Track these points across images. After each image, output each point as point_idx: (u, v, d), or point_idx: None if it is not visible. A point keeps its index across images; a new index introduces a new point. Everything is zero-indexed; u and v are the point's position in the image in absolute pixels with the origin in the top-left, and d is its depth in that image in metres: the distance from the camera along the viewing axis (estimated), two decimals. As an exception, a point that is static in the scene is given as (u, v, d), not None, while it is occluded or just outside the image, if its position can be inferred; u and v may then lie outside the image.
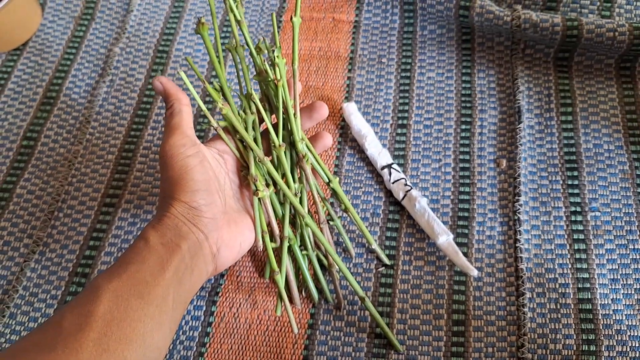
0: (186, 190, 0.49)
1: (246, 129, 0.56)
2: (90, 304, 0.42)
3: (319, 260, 0.59)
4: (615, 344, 0.56)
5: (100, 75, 0.77)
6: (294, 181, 0.57)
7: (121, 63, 0.77)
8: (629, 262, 0.60)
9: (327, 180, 0.58)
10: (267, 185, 0.56)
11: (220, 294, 0.61)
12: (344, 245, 0.62)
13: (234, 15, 0.55)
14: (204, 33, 0.53)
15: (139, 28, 0.80)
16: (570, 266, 0.60)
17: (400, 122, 0.71)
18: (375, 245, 0.60)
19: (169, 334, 0.46)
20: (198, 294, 0.61)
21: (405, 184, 0.64)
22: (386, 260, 0.61)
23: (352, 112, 0.69)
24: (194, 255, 0.48)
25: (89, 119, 0.73)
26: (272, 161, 0.57)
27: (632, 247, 0.61)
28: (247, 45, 0.57)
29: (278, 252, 0.56)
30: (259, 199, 0.54)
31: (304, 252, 0.58)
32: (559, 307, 0.58)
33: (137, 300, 0.43)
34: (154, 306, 0.44)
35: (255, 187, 0.54)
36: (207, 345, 0.58)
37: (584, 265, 0.60)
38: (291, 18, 0.56)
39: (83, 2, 0.84)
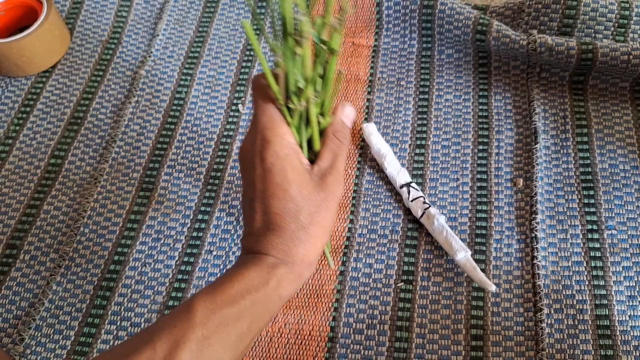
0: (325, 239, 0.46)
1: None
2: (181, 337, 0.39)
3: None
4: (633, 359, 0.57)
5: (126, 96, 0.79)
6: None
7: (147, 85, 0.80)
8: (645, 279, 0.61)
9: None
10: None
11: (242, 308, 0.62)
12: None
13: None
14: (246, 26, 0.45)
15: (164, 52, 0.83)
16: (587, 283, 0.61)
17: (418, 142, 0.72)
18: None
19: None
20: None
21: (424, 202, 0.65)
22: (331, 264, 0.62)
23: (372, 132, 0.71)
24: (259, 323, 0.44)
25: (115, 139, 0.75)
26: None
27: (649, 265, 0.62)
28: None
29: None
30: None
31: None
32: (576, 323, 0.59)
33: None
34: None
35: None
36: (229, 357, 0.59)
37: (601, 282, 0.61)
38: None
39: (110, 27, 0.86)
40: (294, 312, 0.61)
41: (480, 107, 0.74)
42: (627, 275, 0.61)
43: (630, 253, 0.63)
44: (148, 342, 0.39)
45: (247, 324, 0.42)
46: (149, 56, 0.82)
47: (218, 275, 0.64)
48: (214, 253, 0.66)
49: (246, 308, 0.41)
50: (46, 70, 0.83)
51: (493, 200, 0.67)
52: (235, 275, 0.43)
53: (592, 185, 0.67)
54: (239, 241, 0.66)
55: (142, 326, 0.62)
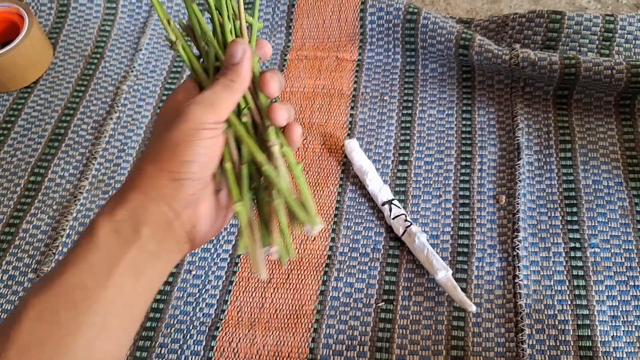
0: (179, 159, 0.40)
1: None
2: (9, 326, 0.36)
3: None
4: (615, 381, 0.56)
5: (107, 112, 0.78)
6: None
7: (128, 100, 0.79)
8: (629, 298, 0.60)
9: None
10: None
11: (220, 329, 0.61)
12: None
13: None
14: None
15: (147, 67, 0.82)
16: (569, 302, 0.60)
17: (401, 158, 0.72)
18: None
19: (123, 338, 0.40)
20: (198, 328, 0.61)
21: (406, 220, 0.65)
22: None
23: (354, 148, 0.70)
24: (160, 239, 0.40)
25: (95, 155, 0.74)
26: None
27: (633, 284, 0.61)
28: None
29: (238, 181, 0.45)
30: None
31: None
32: (558, 343, 0.58)
33: (69, 312, 0.36)
34: (93, 312, 0.37)
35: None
36: (207, 379, 0.59)
37: (584, 302, 0.60)
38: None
39: (93, 41, 0.86)
40: (272, 333, 0.61)
41: (464, 122, 0.74)
42: (610, 294, 0.61)
43: (614, 272, 0.62)
44: None
45: None
46: (132, 71, 0.82)
47: (197, 295, 0.64)
48: (193, 272, 0.65)
49: None
50: (28, 86, 0.82)
51: (475, 217, 0.67)
52: None
53: (575, 202, 0.66)
54: (218, 260, 0.66)
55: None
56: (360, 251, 0.66)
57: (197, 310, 0.62)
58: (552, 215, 0.66)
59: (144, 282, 0.40)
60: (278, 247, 0.43)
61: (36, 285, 0.37)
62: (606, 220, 0.65)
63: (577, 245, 0.64)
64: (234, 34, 0.46)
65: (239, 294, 0.63)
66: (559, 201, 0.67)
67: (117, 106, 0.78)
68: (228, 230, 0.68)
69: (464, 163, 0.71)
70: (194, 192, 0.41)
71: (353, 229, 0.67)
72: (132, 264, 0.38)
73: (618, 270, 0.62)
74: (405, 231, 0.64)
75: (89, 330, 0.36)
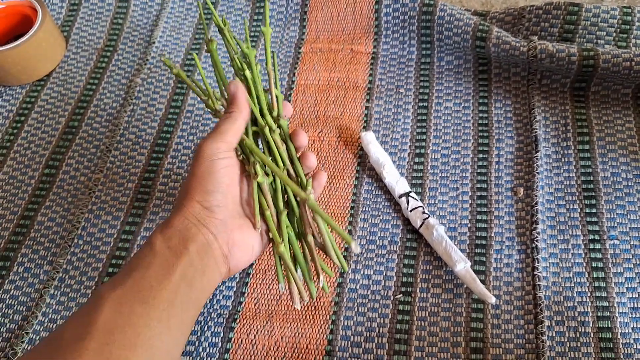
0: (204, 189, 0.49)
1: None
2: (91, 313, 0.42)
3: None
4: (636, 373, 0.56)
5: (121, 105, 0.78)
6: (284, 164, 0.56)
7: (142, 93, 0.79)
8: (649, 290, 0.60)
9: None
10: (266, 174, 0.54)
11: (237, 321, 0.61)
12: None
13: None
14: (212, 48, 0.56)
15: (160, 59, 0.82)
16: (589, 294, 0.60)
17: (417, 151, 0.71)
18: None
19: (181, 337, 0.46)
20: (216, 320, 0.61)
21: (423, 212, 0.64)
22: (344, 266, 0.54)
23: (370, 141, 0.70)
24: (203, 256, 0.48)
25: (110, 148, 0.74)
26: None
27: (653, 276, 0.61)
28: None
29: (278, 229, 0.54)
30: (258, 183, 0.53)
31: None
32: (578, 335, 0.58)
33: (142, 306, 0.43)
34: (159, 310, 0.44)
35: (255, 171, 0.52)
36: (224, 371, 0.58)
37: (604, 294, 0.60)
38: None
39: (106, 34, 0.86)
40: (290, 325, 0.60)
41: (480, 114, 0.74)
42: (629, 286, 0.60)
43: (633, 264, 0.61)
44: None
45: None
46: (145, 64, 0.81)
47: (214, 287, 0.64)
48: (210, 265, 0.65)
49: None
50: (41, 79, 0.82)
51: (493, 209, 0.66)
52: None
53: (593, 194, 0.66)
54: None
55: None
56: (378, 243, 0.65)
57: (215, 302, 0.62)
58: (571, 207, 0.66)
59: (194, 291, 0.47)
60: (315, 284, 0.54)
61: (109, 283, 0.45)
62: (625, 213, 0.65)
63: (596, 237, 0.63)
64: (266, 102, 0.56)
65: (256, 286, 0.63)
66: (577, 193, 0.66)
67: (131, 99, 0.78)
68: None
69: (481, 155, 0.70)
70: (223, 217, 0.49)
71: (370, 221, 0.67)
72: (183, 274, 0.46)
73: (638, 262, 0.62)
74: (422, 223, 0.64)
75: (156, 324, 0.43)
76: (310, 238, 0.53)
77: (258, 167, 0.52)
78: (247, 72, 0.54)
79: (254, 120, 0.55)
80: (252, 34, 0.84)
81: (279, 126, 0.55)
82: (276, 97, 0.56)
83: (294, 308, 0.61)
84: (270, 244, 0.54)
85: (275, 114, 0.55)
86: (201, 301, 0.48)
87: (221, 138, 0.50)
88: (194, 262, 0.47)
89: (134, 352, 0.41)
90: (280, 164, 0.55)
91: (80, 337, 0.40)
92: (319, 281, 0.53)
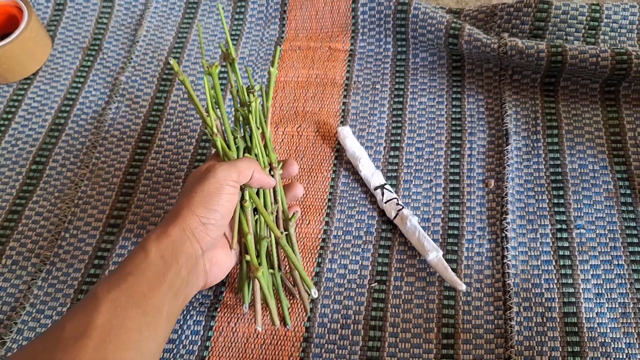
0: (207, 207, 0.52)
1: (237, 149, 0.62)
2: (90, 313, 0.45)
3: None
4: (600, 355, 0.58)
5: (106, 102, 0.80)
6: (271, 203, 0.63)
7: (127, 91, 0.81)
8: (613, 277, 0.62)
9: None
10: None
11: (219, 309, 0.63)
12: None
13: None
14: (214, 72, 0.60)
15: (144, 58, 0.84)
16: (556, 281, 0.63)
17: (393, 144, 0.74)
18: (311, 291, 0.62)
19: (163, 342, 0.49)
20: (198, 309, 0.63)
21: (397, 204, 0.67)
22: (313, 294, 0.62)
23: (347, 135, 0.72)
24: (190, 270, 0.52)
25: (96, 144, 0.76)
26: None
27: (616, 263, 0.63)
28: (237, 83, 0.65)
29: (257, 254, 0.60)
30: (242, 207, 0.59)
31: (271, 271, 0.62)
32: (545, 320, 0.60)
33: (135, 310, 0.46)
34: (150, 316, 0.47)
35: (242, 195, 0.59)
36: (206, 358, 0.60)
37: (570, 281, 0.62)
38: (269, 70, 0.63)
39: (91, 33, 0.88)
40: (270, 313, 0.63)
41: (454, 109, 0.76)
42: (594, 273, 0.63)
43: (598, 252, 0.64)
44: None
45: None
46: (129, 62, 0.83)
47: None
48: (192, 256, 0.67)
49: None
50: (28, 77, 0.84)
51: (465, 201, 0.69)
52: None
53: (561, 185, 0.68)
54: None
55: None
56: (354, 234, 0.67)
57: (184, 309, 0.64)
58: (540, 198, 0.68)
59: (177, 302, 0.51)
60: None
61: (104, 284, 0.48)
62: (591, 203, 0.67)
63: (564, 226, 0.66)
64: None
65: (237, 276, 0.65)
66: (546, 184, 0.69)
67: (116, 96, 0.80)
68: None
69: (454, 149, 0.73)
70: (215, 236, 0.53)
71: (346, 213, 0.69)
72: (171, 284, 0.49)
73: (602, 250, 0.64)
74: (397, 214, 0.66)
75: (146, 329, 0.46)
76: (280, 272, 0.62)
77: (247, 193, 0.59)
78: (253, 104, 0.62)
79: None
80: (233, 32, 0.86)
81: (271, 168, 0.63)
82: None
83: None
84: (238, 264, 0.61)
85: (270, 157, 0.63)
86: (179, 310, 0.52)
87: (236, 170, 0.55)
88: (181, 274, 0.50)
89: (127, 352, 0.45)
90: (268, 201, 0.62)
91: (80, 335, 0.43)
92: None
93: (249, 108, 0.62)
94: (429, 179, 0.71)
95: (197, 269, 0.53)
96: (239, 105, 0.64)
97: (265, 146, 0.63)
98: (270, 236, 0.61)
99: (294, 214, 0.62)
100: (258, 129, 0.62)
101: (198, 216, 0.52)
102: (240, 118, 0.64)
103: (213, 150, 0.74)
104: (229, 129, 0.61)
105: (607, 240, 0.65)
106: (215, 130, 0.60)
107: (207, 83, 0.60)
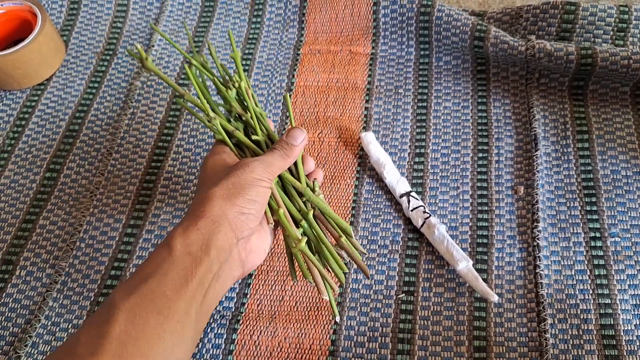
0: (248, 197, 0.50)
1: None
2: (104, 324, 0.41)
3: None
4: (639, 369, 0.56)
5: (122, 108, 0.78)
6: None
7: (142, 96, 0.79)
8: (650, 287, 0.60)
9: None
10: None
11: (241, 322, 0.61)
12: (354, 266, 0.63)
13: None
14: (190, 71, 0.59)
15: (160, 62, 0.82)
16: (591, 292, 0.60)
17: (417, 150, 0.72)
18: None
19: (192, 346, 0.45)
20: (219, 321, 0.61)
21: (424, 212, 0.65)
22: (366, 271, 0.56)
23: (371, 141, 0.70)
24: (222, 262, 0.48)
25: (111, 151, 0.74)
26: None
27: (654, 272, 0.61)
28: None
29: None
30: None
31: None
32: (581, 333, 0.58)
33: (156, 317, 0.42)
34: (174, 321, 0.43)
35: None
36: (228, 372, 0.58)
37: (606, 291, 0.60)
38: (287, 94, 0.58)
39: (105, 38, 0.86)
40: (294, 325, 0.60)
41: (480, 114, 0.74)
42: (631, 283, 0.60)
43: (635, 260, 0.62)
44: None
45: None
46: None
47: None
48: (212, 266, 0.65)
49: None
50: (41, 83, 0.82)
51: (494, 208, 0.67)
52: None
53: (594, 192, 0.66)
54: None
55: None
56: (379, 243, 0.65)
57: (218, 304, 0.62)
58: (571, 205, 0.66)
59: (207, 300, 0.47)
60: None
61: (122, 289, 0.44)
62: (625, 210, 0.65)
63: (597, 234, 0.64)
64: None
65: (259, 287, 0.63)
66: (577, 191, 0.67)
67: (131, 102, 0.78)
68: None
69: (480, 155, 0.71)
70: (253, 226, 0.51)
71: (371, 221, 0.67)
72: (200, 282, 0.45)
73: (639, 259, 0.62)
74: (424, 223, 0.64)
75: (170, 336, 0.42)
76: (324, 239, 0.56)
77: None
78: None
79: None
80: (250, 36, 0.84)
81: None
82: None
83: (297, 309, 0.61)
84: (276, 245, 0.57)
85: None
86: (213, 307, 0.48)
87: (271, 169, 0.53)
88: (213, 267, 0.47)
89: None
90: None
91: (94, 350, 0.40)
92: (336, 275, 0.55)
93: (238, 92, 0.60)
94: (455, 185, 0.69)
95: (231, 260, 0.49)
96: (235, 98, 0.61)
97: (260, 121, 0.60)
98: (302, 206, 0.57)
99: (314, 180, 0.58)
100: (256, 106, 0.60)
101: (240, 206, 0.49)
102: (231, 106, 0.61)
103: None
104: (221, 114, 0.59)
105: (643, 249, 0.63)
106: (212, 115, 0.57)
107: (192, 74, 0.58)
